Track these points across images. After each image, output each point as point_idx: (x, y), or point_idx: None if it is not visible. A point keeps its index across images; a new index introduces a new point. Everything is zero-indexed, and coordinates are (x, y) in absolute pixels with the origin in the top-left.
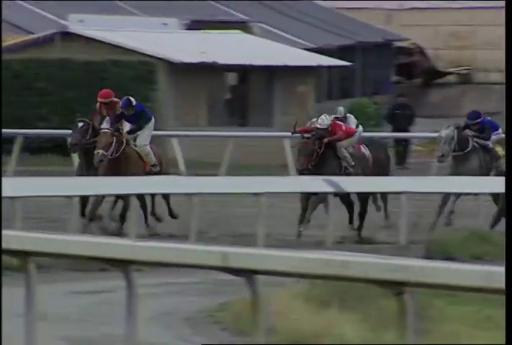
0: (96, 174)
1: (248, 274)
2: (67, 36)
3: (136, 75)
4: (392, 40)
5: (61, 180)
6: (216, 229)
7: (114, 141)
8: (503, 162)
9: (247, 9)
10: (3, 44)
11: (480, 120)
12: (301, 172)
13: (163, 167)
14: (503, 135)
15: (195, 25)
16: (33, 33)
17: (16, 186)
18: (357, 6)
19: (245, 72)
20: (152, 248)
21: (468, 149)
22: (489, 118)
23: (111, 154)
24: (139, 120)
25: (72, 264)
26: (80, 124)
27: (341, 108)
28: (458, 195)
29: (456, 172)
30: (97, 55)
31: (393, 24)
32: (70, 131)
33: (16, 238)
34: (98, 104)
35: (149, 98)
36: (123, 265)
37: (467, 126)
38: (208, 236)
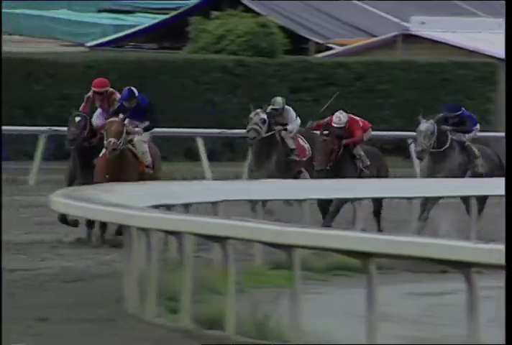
0: (89, 173)
1: None
2: (408, 38)
3: (478, 77)
4: None
5: (402, 181)
6: None
7: (124, 130)
8: (479, 162)
9: None
10: (346, 47)
11: (459, 113)
12: (320, 172)
13: (156, 168)
14: (478, 133)
15: None
16: (375, 35)
17: (358, 187)
18: None
19: None
20: (493, 250)
21: (446, 146)
22: (468, 112)
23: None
24: (147, 114)
25: (412, 266)
26: (78, 119)
27: (278, 99)
28: None
29: (433, 171)
30: (439, 57)
31: None
32: (411, 133)
33: (356, 239)
34: (91, 93)
35: (490, 99)
36: (463, 267)
37: (445, 120)
38: None
